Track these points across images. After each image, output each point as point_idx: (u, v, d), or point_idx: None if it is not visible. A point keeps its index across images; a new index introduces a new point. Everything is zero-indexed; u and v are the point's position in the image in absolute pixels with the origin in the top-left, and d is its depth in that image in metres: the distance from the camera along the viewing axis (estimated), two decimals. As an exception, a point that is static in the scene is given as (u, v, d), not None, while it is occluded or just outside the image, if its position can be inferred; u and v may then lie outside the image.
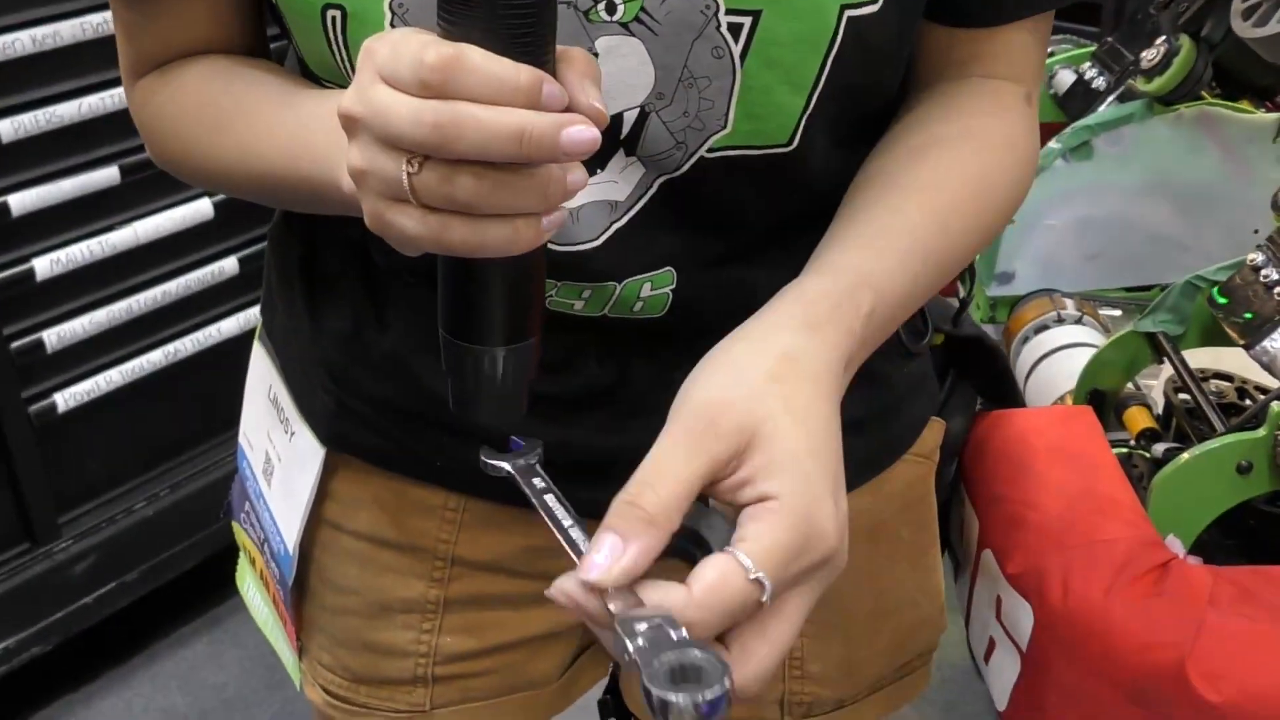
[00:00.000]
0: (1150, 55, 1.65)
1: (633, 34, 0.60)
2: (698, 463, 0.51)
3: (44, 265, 1.53)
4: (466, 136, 0.47)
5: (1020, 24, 0.68)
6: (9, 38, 1.44)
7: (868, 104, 0.68)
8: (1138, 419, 1.33)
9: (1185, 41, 1.62)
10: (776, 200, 0.68)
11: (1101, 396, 1.37)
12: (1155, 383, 1.46)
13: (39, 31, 1.45)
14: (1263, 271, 1.21)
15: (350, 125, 0.51)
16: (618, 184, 0.64)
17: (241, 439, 0.88)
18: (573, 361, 0.71)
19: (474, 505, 0.77)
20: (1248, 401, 1.34)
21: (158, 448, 1.77)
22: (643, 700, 0.47)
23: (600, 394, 0.72)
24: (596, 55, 0.60)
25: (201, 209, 1.66)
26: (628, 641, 0.48)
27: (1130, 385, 1.40)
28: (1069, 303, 1.59)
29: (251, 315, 1.76)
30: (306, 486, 0.79)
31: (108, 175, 1.56)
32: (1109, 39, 1.79)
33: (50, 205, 1.52)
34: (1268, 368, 1.19)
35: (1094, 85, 1.77)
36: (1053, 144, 1.70)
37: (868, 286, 0.59)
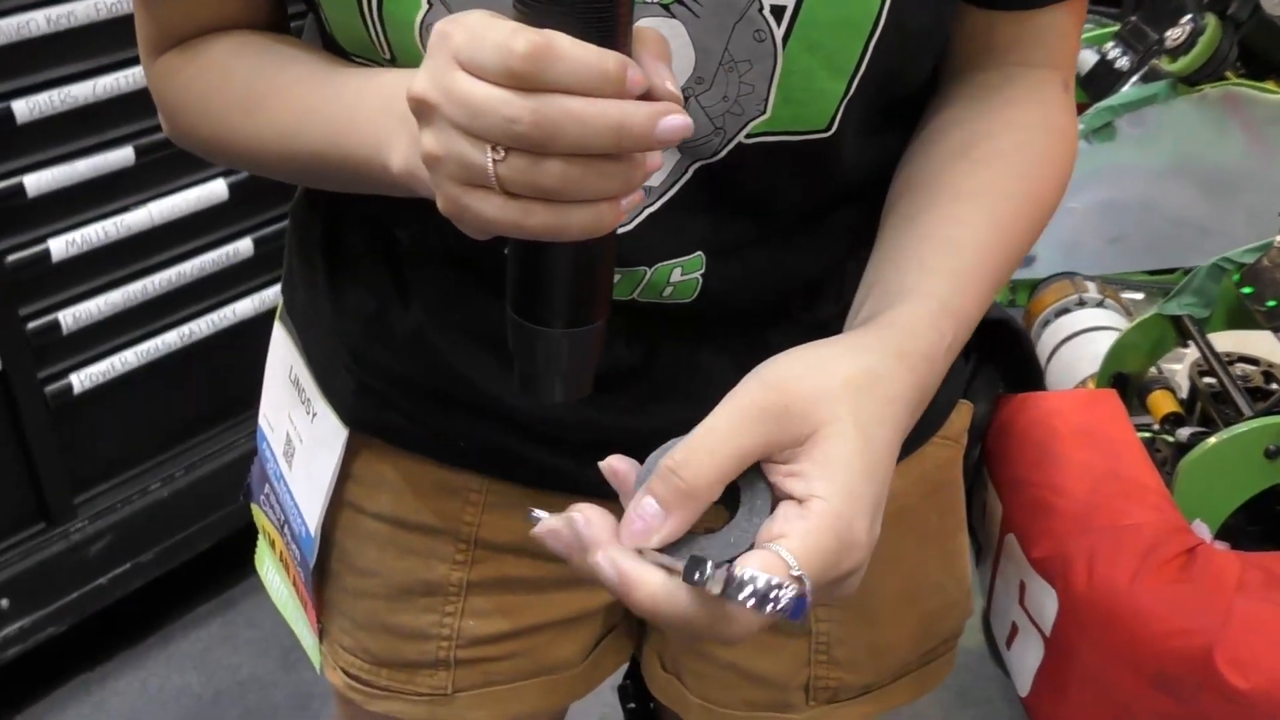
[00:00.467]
0: (1175, 34, 1.63)
1: (674, 15, 0.59)
2: (750, 441, 0.51)
3: (59, 246, 1.52)
4: (568, 134, 0.47)
5: (1060, 5, 0.67)
6: (24, 18, 1.43)
7: (903, 89, 0.67)
8: (1162, 403, 1.32)
9: (1211, 20, 1.60)
10: (810, 186, 0.67)
11: (1125, 380, 1.36)
12: (1178, 367, 1.45)
13: (53, 11, 1.45)
14: (1290, 254, 1.20)
15: (424, 111, 0.50)
16: None
17: (261, 420, 0.88)
18: None
19: (498, 487, 0.77)
20: (1274, 385, 1.33)
21: (173, 429, 1.77)
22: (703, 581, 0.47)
23: (626, 375, 0.71)
24: None
25: (216, 190, 1.66)
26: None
27: (1153, 369, 1.39)
28: (1090, 285, 1.58)
29: (267, 296, 1.76)
30: (328, 468, 0.78)
31: (123, 156, 1.55)
32: (1133, 18, 1.77)
33: (65, 186, 1.51)
34: (1294, 351, 1.18)
35: (1117, 65, 1.75)
36: (1075, 125, 1.68)
37: (949, 314, 0.59)
